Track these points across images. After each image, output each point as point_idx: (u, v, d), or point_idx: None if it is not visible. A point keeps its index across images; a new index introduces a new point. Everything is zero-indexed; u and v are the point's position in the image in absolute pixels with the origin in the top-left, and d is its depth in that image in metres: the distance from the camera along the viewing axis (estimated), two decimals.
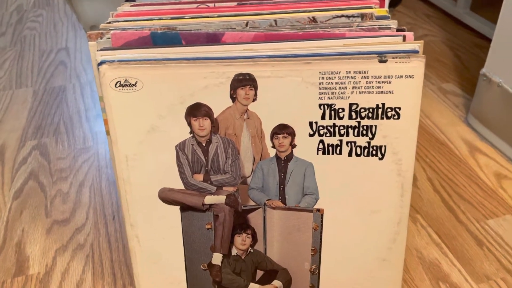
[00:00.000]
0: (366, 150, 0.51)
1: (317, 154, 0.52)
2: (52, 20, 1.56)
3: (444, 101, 1.06)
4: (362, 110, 0.49)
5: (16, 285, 0.67)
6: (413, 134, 0.50)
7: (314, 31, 0.52)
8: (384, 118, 0.49)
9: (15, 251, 0.73)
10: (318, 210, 0.54)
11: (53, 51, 1.35)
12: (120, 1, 0.65)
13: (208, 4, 0.62)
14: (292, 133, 0.51)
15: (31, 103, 1.11)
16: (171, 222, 0.55)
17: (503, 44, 0.86)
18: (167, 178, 0.53)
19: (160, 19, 0.57)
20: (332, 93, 0.49)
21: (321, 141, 0.51)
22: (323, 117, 0.50)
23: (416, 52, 0.48)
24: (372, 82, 0.48)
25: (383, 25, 0.53)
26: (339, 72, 0.48)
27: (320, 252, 0.56)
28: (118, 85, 0.49)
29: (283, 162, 0.52)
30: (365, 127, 0.50)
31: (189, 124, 0.51)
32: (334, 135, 0.51)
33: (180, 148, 0.52)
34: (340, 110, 0.49)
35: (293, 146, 0.51)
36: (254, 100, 0.49)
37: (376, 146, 0.51)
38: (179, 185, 0.53)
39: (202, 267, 0.58)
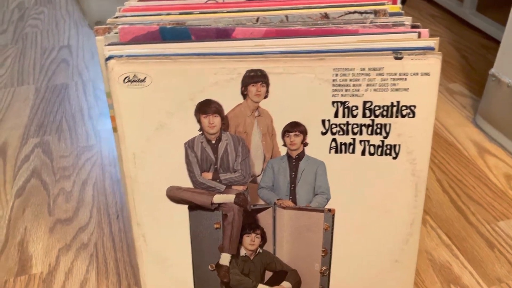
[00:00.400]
0: (380, 149, 0.50)
1: (329, 153, 0.50)
2: (53, 18, 1.54)
3: (452, 101, 1.04)
4: (377, 108, 0.48)
5: (19, 284, 0.66)
6: (429, 133, 0.49)
7: (326, 27, 0.51)
8: (399, 116, 0.48)
9: (18, 249, 0.72)
10: (329, 210, 0.53)
11: (55, 48, 1.34)
12: None
13: None
14: (304, 131, 0.50)
15: (33, 101, 1.10)
16: (179, 222, 0.54)
17: None
18: (175, 176, 0.52)
19: (168, 14, 0.56)
20: (346, 90, 0.47)
21: (334, 140, 0.50)
22: (336, 115, 0.49)
23: (432, 49, 0.47)
24: (387, 79, 0.47)
25: (397, 21, 0.52)
26: (354, 69, 0.47)
27: (330, 253, 0.55)
28: (126, 80, 0.48)
29: (294, 160, 0.51)
30: (379, 126, 0.49)
31: (199, 121, 0.50)
32: (347, 134, 0.49)
33: (189, 145, 0.51)
34: (354, 108, 0.48)
35: (304, 144, 0.50)
36: (265, 97, 0.48)
37: (390, 145, 0.49)
38: (188, 184, 0.52)
39: (210, 268, 0.56)
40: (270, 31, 0.51)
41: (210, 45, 0.49)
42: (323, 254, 0.55)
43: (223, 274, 0.56)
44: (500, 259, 0.68)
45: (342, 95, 0.48)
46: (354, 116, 0.49)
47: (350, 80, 0.47)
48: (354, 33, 0.50)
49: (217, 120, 0.50)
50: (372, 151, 0.50)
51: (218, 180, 0.52)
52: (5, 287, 0.66)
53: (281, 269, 0.56)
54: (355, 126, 0.49)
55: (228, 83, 0.48)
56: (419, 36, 0.50)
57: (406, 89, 0.47)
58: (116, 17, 0.56)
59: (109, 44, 0.50)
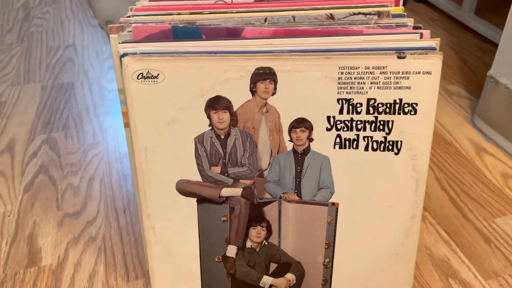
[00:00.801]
0: (383, 145, 0.52)
1: (334, 148, 0.52)
2: (58, 17, 1.56)
3: (450, 102, 1.07)
4: (380, 105, 0.50)
5: (29, 276, 0.68)
6: (429, 130, 0.51)
7: (332, 28, 0.53)
8: (401, 113, 0.50)
9: (27, 242, 0.73)
10: (333, 204, 0.55)
11: (61, 47, 1.36)
12: None
13: (225, 0, 0.63)
14: (309, 127, 0.52)
15: (40, 99, 1.11)
16: (188, 214, 0.56)
17: (510, 46, 0.87)
18: (185, 170, 0.54)
19: (179, 14, 0.58)
20: (351, 88, 0.50)
21: (338, 136, 0.52)
22: (341, 112, 0.51)
23: (434, 49, 0.49)
24: (391, 77, 0.49)
25: (399, 23, 0.54)
26: (358, 68, 0.49)
27: (333, 246, 0.57)
28: (140, 77, 0.50)
29: (300, 155, 0.53)
30: (382, 122, 0.51)
31: (209, 117, 0.52)
32: (351, 130, 0.51)
33: (199, 140, 0.53)
34: (358, 105, 0.50)
35: (310, 140, 0.52)
36: (273, 94, 0.50)
37: (392, 141, 0.52)
38: (197, 177, 0.54)
39: (216, 259, 0.58)
40: (278, 30, 0.53)
41: (220, 44, 0.51)
42: (326, 247, 0.57)
43: (229, 265, 0.58)
44: (496, 254, 0.70)
45: (347, 93, 0.50)
46: (358, 113, 0.51)
47: (355, 78, 0.49)
48: (359, 33, 0.52)
49: (226, 116, 0.52)
50: (375, 147, 0.52)
51: (226, 174, 0.54)
52: (15, 278, 0.68)
53: (285, 261, 0.58)
54: (359, 122, 0.51)
55: (237, 80, 0.50)
56: (421, 37, 0.52)
57: (408, 87, 0.49)
58: (129, 16, 0.58)
59: (123, 42, 0.52)
